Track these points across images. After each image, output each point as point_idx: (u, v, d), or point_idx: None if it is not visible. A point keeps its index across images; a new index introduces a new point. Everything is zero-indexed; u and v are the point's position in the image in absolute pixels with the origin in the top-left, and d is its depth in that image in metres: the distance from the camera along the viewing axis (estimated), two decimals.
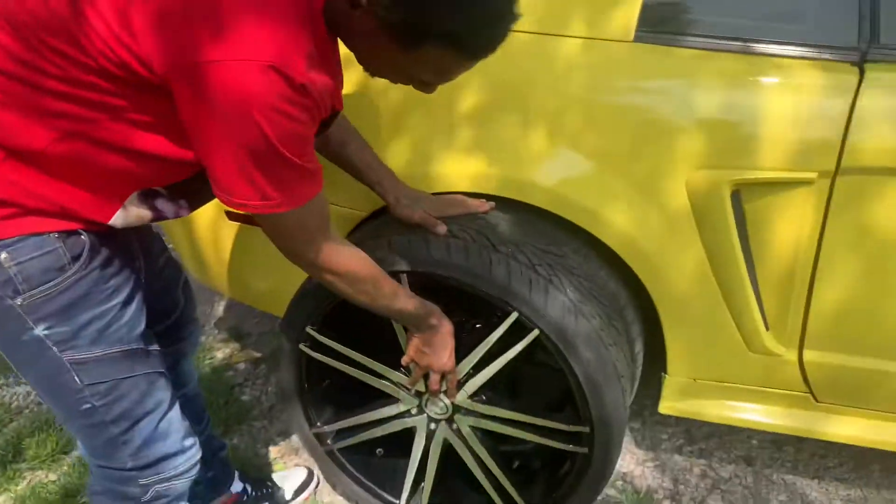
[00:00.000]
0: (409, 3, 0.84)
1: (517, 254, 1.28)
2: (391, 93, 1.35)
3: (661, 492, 1.67)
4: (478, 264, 1.26)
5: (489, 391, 1.44)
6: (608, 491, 1.66)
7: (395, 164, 1.38)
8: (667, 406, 1.55)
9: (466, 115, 1.35)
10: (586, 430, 1.32)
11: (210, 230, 1.66)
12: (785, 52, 1.24)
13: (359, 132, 1.32)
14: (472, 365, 1.37)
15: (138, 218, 1.02)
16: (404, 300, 1.19)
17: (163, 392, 1.11)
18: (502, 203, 1.37)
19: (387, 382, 1.48)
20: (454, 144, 1.37)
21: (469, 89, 1.33)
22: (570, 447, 1.38)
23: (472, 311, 1.41)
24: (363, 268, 1.11)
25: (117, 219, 0.99)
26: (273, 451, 1.87)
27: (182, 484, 1.12)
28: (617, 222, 1.33)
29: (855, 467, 1.70)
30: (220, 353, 2.26)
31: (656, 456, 1.76)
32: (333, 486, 1.69)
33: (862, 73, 1.19)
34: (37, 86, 0.88)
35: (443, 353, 1.25)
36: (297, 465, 1.81)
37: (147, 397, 1.07)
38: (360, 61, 1.01)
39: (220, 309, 2.46)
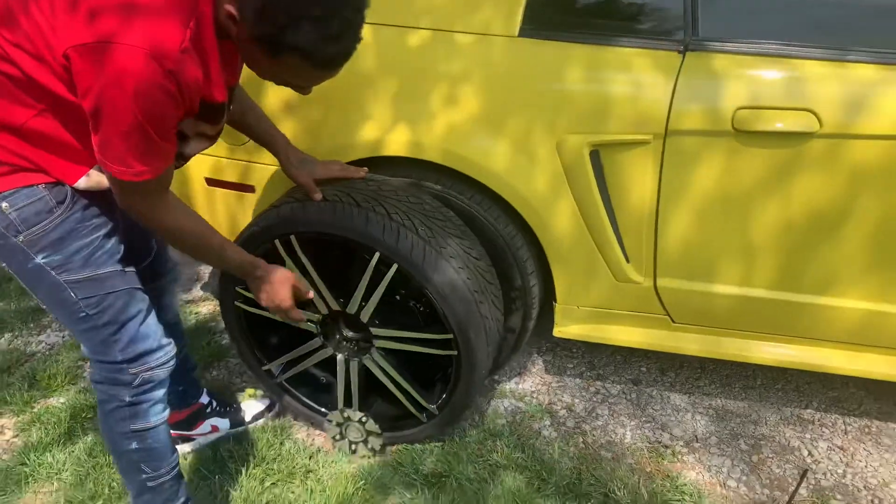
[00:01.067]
0: (269, 21, 1.10)
1: (376, 207, 1.62)
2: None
3: (559, 404, 2.03)
4: (343, 219, 1.60)
5: (381, 317, 1.78)
6: (518, 404, 2.03)
7: (325, 134, 1.75)
8: (559, 330, 1.92)
9: (382, 95, 1.71)
10: (450, 335, 1.67)
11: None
12: (629, 44, 1.60)
13: (256, 104, 1.66)
14: (360, 297, 1.72)
15: (98, 184, 1.28)
16: (230, 254, 1.43)
17: (142, 303, 1.40)
18: (407, 163, 1.74)
19: (306, 323, 1.84)
20: (374, 119, 1.73)
21: (385, 73, 1.71)
22: (444, 352, 1.72)
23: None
24: (191, 225, 1.33)
25: (80, 182, 1.26)
26: (246, 384, 2.21)
27: (163, 371, 1.46)
28: (501, 174, 1.69)
29: (721, 385, 2.06)
30: (204, 309, 2.60)
31: (560, 380, 2.13)
32: (286, 411, 2.04)
33: (683, 58, 1.56)
34: (7, 75, 1.14)
35: (276, 297, 1.50)
36: (264, 396, 2.15)
37: (129, 306, 1.37)
38: (247, 65, 1.28)
39: (205, 273, 2.81)
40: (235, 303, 1.85)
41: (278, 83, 1.28)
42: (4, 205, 1.22)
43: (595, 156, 1.65)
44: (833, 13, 1.56)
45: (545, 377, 2.14)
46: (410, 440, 1.91)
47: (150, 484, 1.46)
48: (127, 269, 1.38)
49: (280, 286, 1.50)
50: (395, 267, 1.63)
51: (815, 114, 1.48)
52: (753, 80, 1.53)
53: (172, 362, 1.46)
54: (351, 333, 1.89)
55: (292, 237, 1.68)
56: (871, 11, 1.54)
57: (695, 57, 1.56)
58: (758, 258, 1.67)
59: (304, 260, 1.71)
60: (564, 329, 1.92)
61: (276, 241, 1.70)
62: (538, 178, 1.70)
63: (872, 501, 1.66)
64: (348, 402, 1.92)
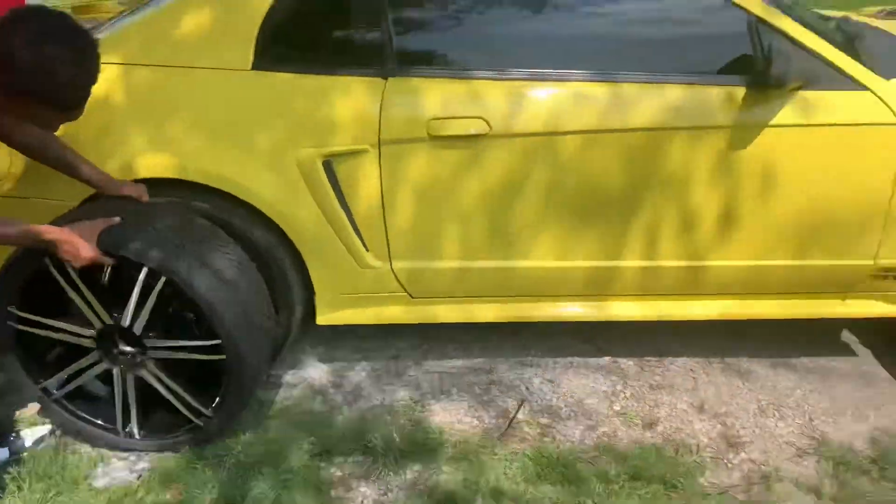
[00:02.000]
0: (17, 73, 1.38)
1: (144, 225, 1.84)
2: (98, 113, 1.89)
3: (328, 381, 2.34)
4: (113, 237, 1.77)
5: (157, 329, 1.95)
6: (291, 392, 2.30)
7: (108, 158, 1.93)
8: (321, 319, 2.22)
9: (146, 127, 1.94)
10: (219, 341, 1.91)
11: None
12: (344, 73, 1.97)
13: (57, 137, 1.84)
14: (132, 310, 1.89)
15: None
16: (4, 228, 1.60)
17: None
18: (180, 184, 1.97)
19: (81, 338, 1.97)
20: (145, 145, 1.95)
21: (141, 109, 1.94)
22: (212, 357, 1.94)
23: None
24: None
25: None
26: (28, 412, 2.24)
27: None
28: (251, 188, 1.98)
29: (463, 349, 2.48)
30: None
31: (332, 364, 2.44)
32: (65, 429, 2.12)
33: (386, 82, 1.96)
34: None
35: (78, 252, 1.68)
36: (45, 422, 2.20)
37: None
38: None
39: None
40: (8, 322, 1.93)
41: (30, 121, 1.50)
42: None
43: (328, 165, 1.99)
44: (493, 42, 2.06)
45: (320, 366, 2.44)
46: (194, 444, 2.08)
47: None
48: None
49: (74, 238, 1.66)
50: (162, 280, 1.84)
51: (485, 120, 1.95)
52: (440, 96, 1.97)
53: None
54: (127, 347, 2.04)
55: (108, 257, 1.80)
56: (520, 40, 2.05)
57: (395, 81, 1.97)
58: (467, 236, 2.10)
59: (75, 277, 1.85)
60: (326, 317, 2.23)
61: (48, 259, 1.83)
62: (283, 187, 2.01)
63: (570, 413, 2.16)
64: (127, 415, 2.06)
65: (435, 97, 1.97)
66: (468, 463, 1.95)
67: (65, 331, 1.96)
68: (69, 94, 1.44)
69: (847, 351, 2.46)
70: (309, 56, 2.01)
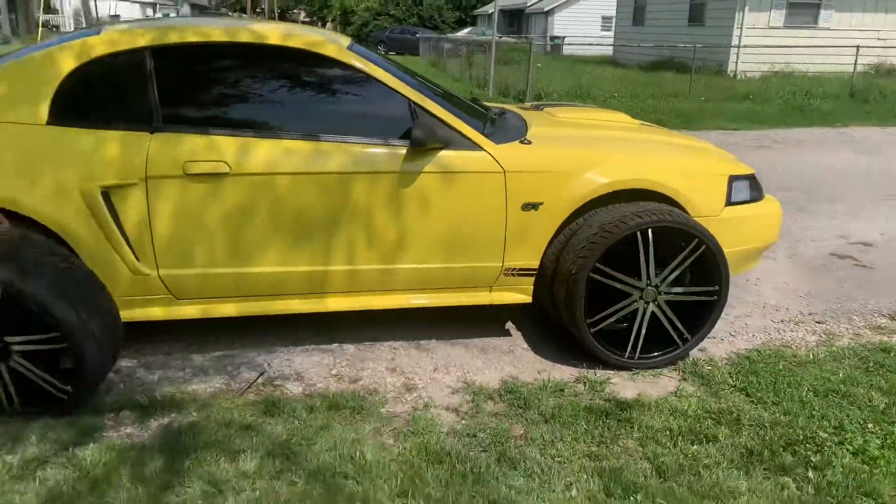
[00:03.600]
0: None
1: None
2: None
3: (146, 380, 2.94)
4: None
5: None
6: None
7: None
8: (124, 315, 2.84)
9: None
10: (57, 334, 2.50)
11: None
12: (118, 128, 2.71)
13: None
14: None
15: None
16: None
17: None
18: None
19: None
20: None
21: None
22: (56, 346, 2.53)
23: None
24: None
25: None
26: None
27: None
28: (52, 216, 2.62)
29: (225, 343, 3.18)
30: None
31: (146, 357, 3.04)
32: None
33: (153, 134, 2.73)
34: None
35: None
36: None
37: None
38: None
39: None
40: None
41: None
42: None
43: (106, 194, 2.70)
44: (234, 108, 2.91)
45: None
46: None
47: None
48: None
49: None
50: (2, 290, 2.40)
51: (227, 163, 2.77)
52: (193, 145, 2.77)
53: None
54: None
55: None
56: (249, 109, 2.92)
57: (160, 134, 2.75)
58: (213, 248, 2.87)
59: None
60: (125, 314, 2.85)
61: None
62: (74, 213, 2.67)
63: (297, 378, 2.94)
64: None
65: (190, 146, 2.77)
66: (212, 409, 2.65)
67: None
68: None
69: (504, 333, 3.49)
70: (91, 115, 2.74)
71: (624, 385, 3.01)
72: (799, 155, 8.46)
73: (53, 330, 2.47)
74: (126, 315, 2.89)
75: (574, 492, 2.30)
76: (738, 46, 16.95)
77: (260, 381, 2.91)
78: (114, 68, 2.81)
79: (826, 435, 2.61)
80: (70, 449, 2.38)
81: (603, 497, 2.28)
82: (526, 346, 3.37)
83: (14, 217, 2.65)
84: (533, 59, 11.79)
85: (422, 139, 2.86)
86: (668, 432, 2.64)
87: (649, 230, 2.96)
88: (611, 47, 24.21)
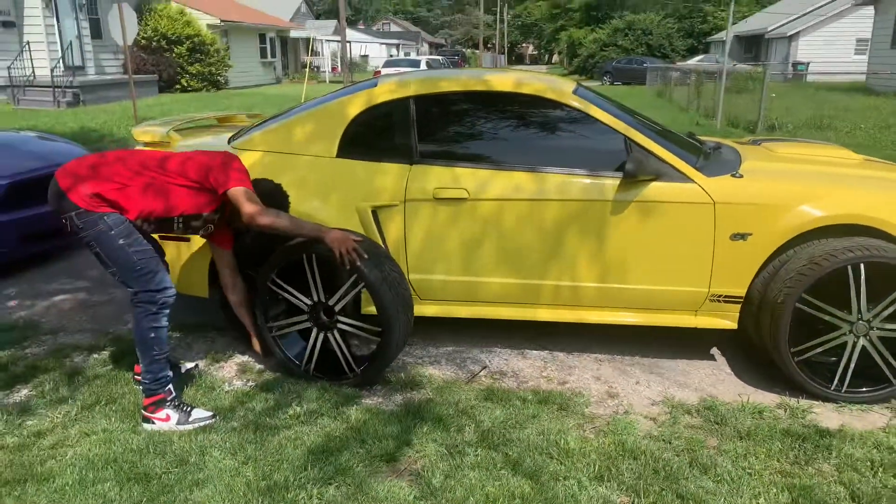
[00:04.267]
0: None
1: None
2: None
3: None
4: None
5: None
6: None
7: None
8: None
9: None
10: None
11: None
12: (388, 160, 3.42)
13: None
14: None
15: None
16: (302, 222, 3.12)
17: (162, 265, 2.89)
18: None
19: None
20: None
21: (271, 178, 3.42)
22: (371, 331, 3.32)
23: None
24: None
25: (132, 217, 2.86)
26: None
27: (172, 300, 2.88)
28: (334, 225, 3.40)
29: (453, 337, 3.75)
30: None
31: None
32: None
33: (411, 167, 3.40)
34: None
35: (347, 238, 3.17)
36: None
37: (158, 265, 2.84)
38: None
39: None
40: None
41: None
42: (107, 218, 2.74)
43: (375, 212, 3.41)
44: (474, 145, 3.49)
45: None
46: None
47: (157, 357, 2.88)
48: (152, 250, 2.88)
49: None
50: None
51: (466, 190, 3.35)
52: (441, 175, 3.39)
53: (175, 296, 2.93)
54: None
55: None
56: (498, 146, 3.48)
57: (417, 166, 3.41)
58: (456, 260, 3.45)
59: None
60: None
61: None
62: (352, 225, 3.42)
63: (513, 375, 3.40)
64: None
65: (438, 176, 3.40)
66: (444, 390, 3.21)
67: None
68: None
69: (708, 357, 3.66)
70: (368, 151, 3.48)
71: (828, 416, 3.06)
72: None
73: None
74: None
75: (762, 500, 2.48)
76: None
77: (483, 373, 3.43)
78: (386, 113, 3.54)
79: None
80: (338, 407, 3.07)
81: None
82: (729, 371, 3.52)
83: None
84: (767, 88, 11.34)
85: (633, 171, 3.21)
86: (868, 462, 2.68)
87: (861, 265, 3.00)
88: (864, 74, 22.06)
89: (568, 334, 3.82)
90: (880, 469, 2.64)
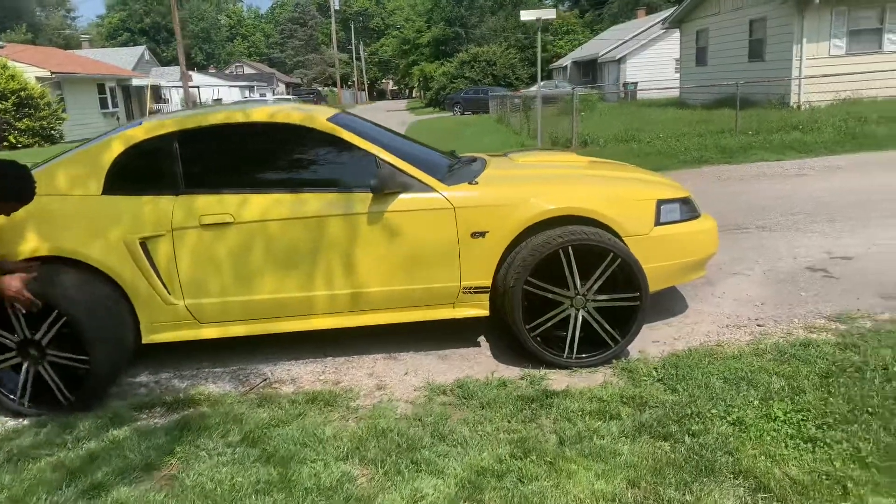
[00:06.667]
0: None
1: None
2: None
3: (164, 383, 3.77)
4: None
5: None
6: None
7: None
8: (146, 339, 3.70)
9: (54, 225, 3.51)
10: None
11: None
12: (150, 193, 3.62)
13: None
14: None
15: None
16: None
17: None
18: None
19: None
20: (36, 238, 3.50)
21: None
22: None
23: None
24: None
25: None
26: None
27: None
28: (103, 260, 3.53)
29: (238, 351, 3.96)
30: None
31: (159, 369, 3.87)
32: None
33: (177, 197, 3.61)
34: None
35: (9, 285, 3.25)
36: None
37: None
38: None
39: None
40: None
41: None
42: None
43: (144, 243, 3.58)
44: (237, 173, 3.76)
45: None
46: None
47: None
48: None
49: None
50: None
51: (231, 214, 3.61)
52: (206, 203, 3.62)
53: None
54: None
55: None
56: (259, 172, 3.76)
57: (183, 196, 3.63)
58: (228, 281, 3.68)
59: None
60: (150, 337, 3.71)
61: None
62: (120, 258, 3.57)
63: (290, 381, 3.66)
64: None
65: (203, 203, 3.63)
66: (219, 404, 3.41)
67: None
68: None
69: (474, 344, 4.09)
70: (130, 186, 3.66)
71: (560, 380, 3.55)
72: (828, 181, 8.61)
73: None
74: (162, 337, 3.74)
75: (485, 454, 2.87)
76: (800, 78, 16.92)
77: (262, 384, 3.67)
78: (151, 150, 3.74)
79: (716, 411, 3.05)
80: (107, 430, 3.19)
81: (507, 458, 2.84)
82: (489, 353, 3.97)
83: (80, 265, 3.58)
84: (577, 109, 12.45)
85: (378, 186, 3.59)
86: (580, 412, 3.16)
87: (570, 248, 3.54)
88: (678, 90, 24.46)
89: (350, 339, 4.13)
90: (587, 416, 3.12)
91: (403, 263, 3.72)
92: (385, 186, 3.62)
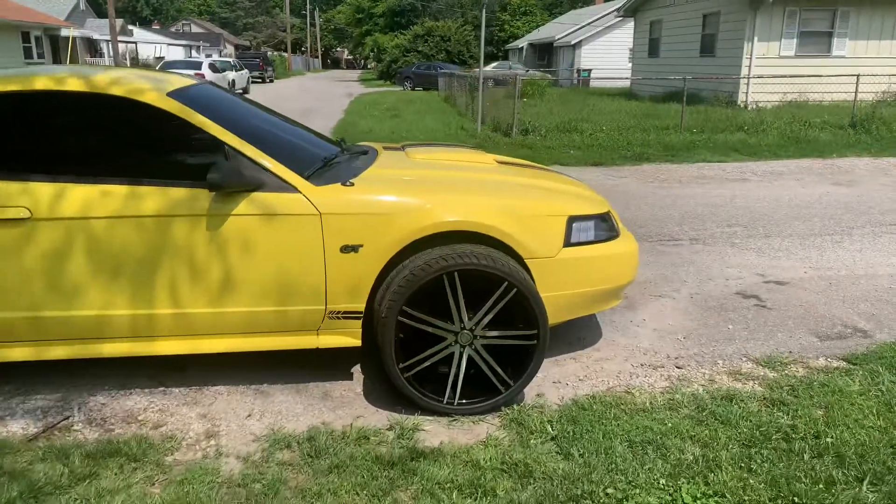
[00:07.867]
0: None
1: None
2: None
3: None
4: None
5: None
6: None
7: None
8: None
9: None
10: None
11: None
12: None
13: None
14: None
15: None
16: None
17: None
18: None
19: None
20: None
21: None
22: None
23: None
24: None
25: None
26: None
27: None
28: None
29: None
30: None
31: None
32: None
33: None
34: None
35: None
36: None
37: None
38: None
39: None
40: None
41: None
42: None
43: None
44: (46, 156, 2.96)
45: None
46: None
47: None
48: None
49: None
50: None
51: (28, 209, 2.82)
52: (2, 191, 2.83)
53: None
54: None
55: None
56: (78, 155, 2.97)
57: None
58: (36, 292, 2.89)
59: None
60: None
61: None
62: None
63: (100, 424, 2.93)
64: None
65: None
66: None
67: None
68: None
69: (347, 377, 3.42)
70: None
71: (436, 432, 2.91)
72: (768, 188, 8.20)
73: None
74: None
75: None
76: (748, 77, 16.66)
77: (61, 424, 2.92)
78: None
79: (612, 491, 2.46)
80: None
81: None
82: (359, 390, 3.29)
83: None
84: (518, 95, 11.80)
85: (218, 181, 2.84)
86: (449, 484, 2.53)
87: (455, 273, 2.89)
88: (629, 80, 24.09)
89: (201, 365, 3.41)
90: (456, 491, 2.49)
91: (256, 279, 2.99)
92: (226, 182, 2.88)
